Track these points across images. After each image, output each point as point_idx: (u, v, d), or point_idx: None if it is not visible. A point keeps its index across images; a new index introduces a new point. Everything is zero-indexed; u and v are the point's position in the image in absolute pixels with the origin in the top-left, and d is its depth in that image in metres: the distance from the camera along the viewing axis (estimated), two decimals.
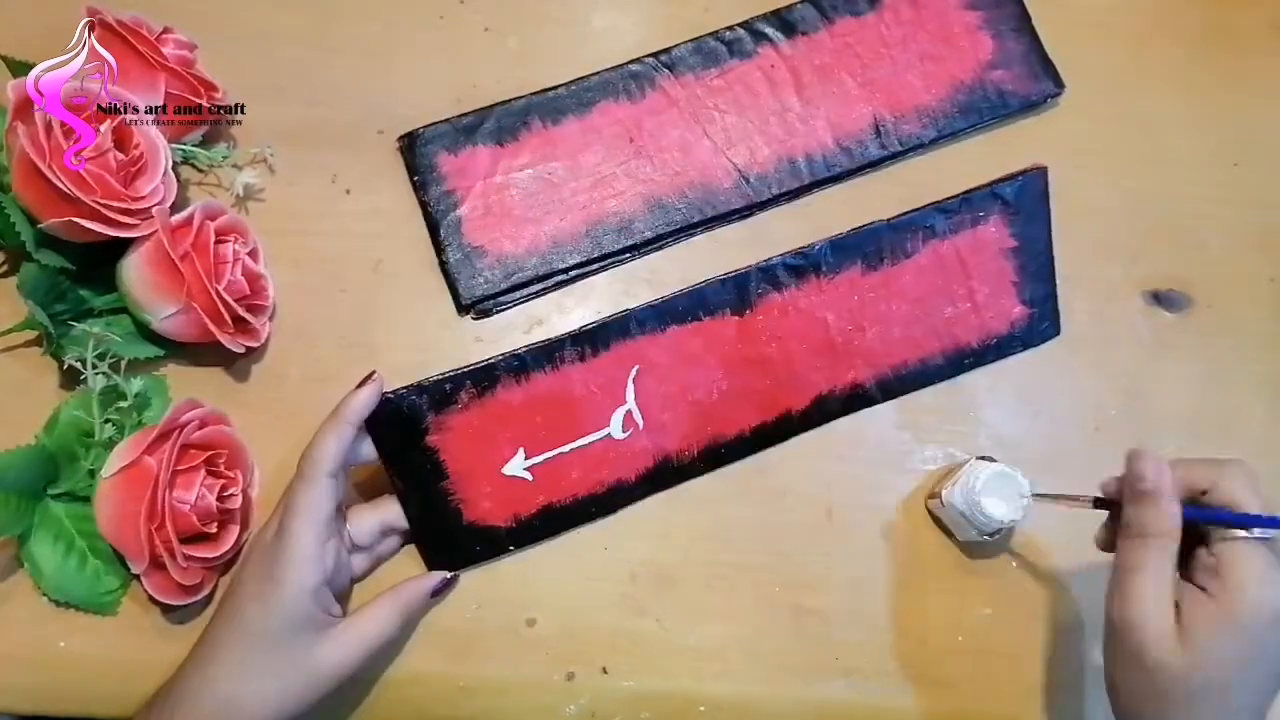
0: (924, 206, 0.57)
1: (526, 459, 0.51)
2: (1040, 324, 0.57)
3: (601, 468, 0.52)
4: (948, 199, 0.57)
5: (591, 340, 0.53)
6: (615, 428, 0.52)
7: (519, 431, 0.51)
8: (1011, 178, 0.58)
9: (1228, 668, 0.38)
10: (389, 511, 0.49)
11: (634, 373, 0.53)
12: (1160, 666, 0.38)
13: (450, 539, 0.50)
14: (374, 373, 0.48)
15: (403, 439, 0.49)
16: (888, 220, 0.56)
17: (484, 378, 0.51)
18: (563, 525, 0.52)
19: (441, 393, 0.50)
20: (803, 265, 0.55)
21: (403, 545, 0.51)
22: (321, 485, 0.44)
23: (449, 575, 0.50)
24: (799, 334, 0.55)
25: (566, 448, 0.52)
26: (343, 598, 0.49)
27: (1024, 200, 0.58)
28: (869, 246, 0.56)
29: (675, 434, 0.53)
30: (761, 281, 0.55)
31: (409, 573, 0.51)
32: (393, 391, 0.49)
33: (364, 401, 0.47)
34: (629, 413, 0.53)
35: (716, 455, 0.53)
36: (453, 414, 0.50)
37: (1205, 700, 0.38)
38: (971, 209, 0.57)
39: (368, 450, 0.49)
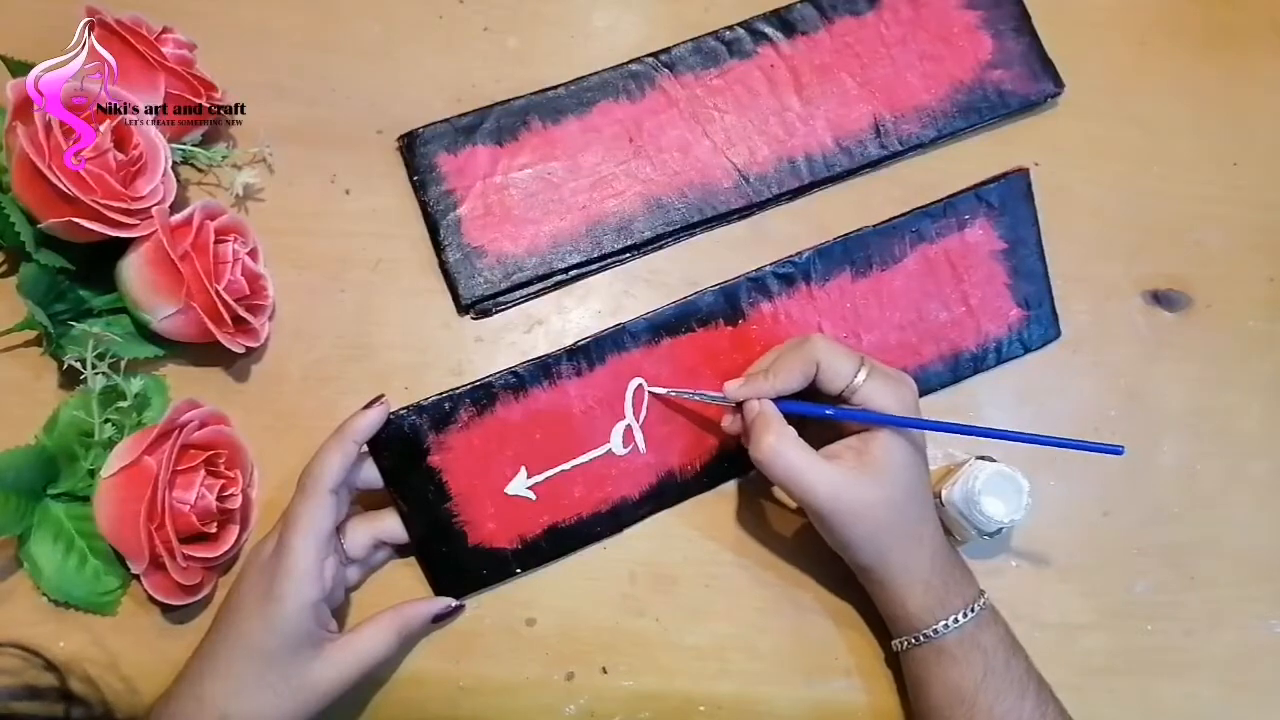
0: (909, 211, 0.57)
1: (529, 477, 0.51)
2: (1040, 326, 0.57)
3: (604, 485, 0.52)
4: (932, 203, 0.57)
5: (587, 354, 0.52)
6: (616, 443, 0.52)
7: (520, 449, 0.51)
8: (994, 180, 0.58)
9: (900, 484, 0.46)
10: (382, 524, 0.49)
11: (633, 387, 0.52)
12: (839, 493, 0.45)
13: (457, 563, 0.50)
14: (381, 396, 0.48)
15: (405, 459, 0.49)
16: (873, 226, 0.56)
17: (482, 395, 0.51)
18: (568, 546, 0.52)
19: (441, 411, 0.50)
20: (792, 273, 0.55)
21: (392, 557, 0.51)
22: (322, 501, 0.44)
23: (455, 604, 0.50)
24: None
25: (568, 465, 0.52)
26: (338, 613, 0.49)
27: (1009, 202, 0.58)
28: (856, 253, 0.56)
29: (677, 448, 0.53)
30: (752, 291, 0.55)
31: (401, 583, 0.51)
32: (392, 412, 0.49)
33: (370, 422, 0.47)
34: (629, 428, 0.52)
35: (720, 470, 0.53)
36: (453, 433, 0.50)
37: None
38: (956, 212, 0.57)
39: (370, 474, 0.49)
